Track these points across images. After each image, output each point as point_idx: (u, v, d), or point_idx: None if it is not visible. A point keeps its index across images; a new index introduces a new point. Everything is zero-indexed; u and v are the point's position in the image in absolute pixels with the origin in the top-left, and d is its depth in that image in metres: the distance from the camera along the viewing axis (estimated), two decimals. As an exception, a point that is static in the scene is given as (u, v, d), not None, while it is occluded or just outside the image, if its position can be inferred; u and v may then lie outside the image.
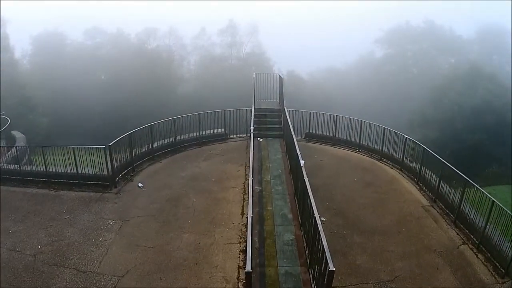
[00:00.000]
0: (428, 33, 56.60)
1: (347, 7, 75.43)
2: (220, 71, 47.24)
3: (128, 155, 15.46)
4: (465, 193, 11.74)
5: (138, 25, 53.07)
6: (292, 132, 13.55)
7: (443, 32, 57.11)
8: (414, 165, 15.43)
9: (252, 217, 8.41)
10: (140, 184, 14.44)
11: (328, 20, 75.81)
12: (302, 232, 10.51)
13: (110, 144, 13.98)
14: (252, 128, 13.76)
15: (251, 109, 16.90)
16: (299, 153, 11.10)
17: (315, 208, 8.72)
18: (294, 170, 12.59)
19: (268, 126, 17.18)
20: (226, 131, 18.43)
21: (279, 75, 19.21)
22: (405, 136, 15.79)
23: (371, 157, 17.20)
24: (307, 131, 18.49)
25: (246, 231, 9.82)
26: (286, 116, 15.46)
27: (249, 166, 12.77)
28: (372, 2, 70.64)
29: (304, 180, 9.90)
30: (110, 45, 51.88)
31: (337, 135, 18.11)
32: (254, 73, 19.00)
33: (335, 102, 50.60)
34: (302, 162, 10.55)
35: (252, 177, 10.05)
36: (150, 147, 16.60)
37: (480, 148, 32.10)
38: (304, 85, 52.43)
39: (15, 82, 41.84)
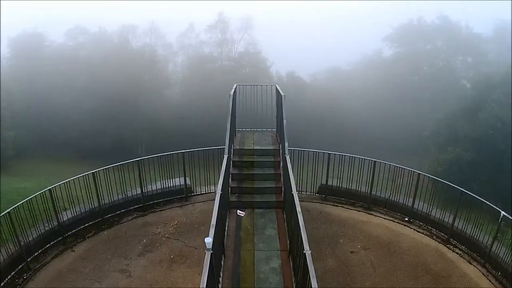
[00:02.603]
0: (441, 30, 48.77)
1: (348, 5, 66.71)
2: (210, 73, 39.44)
3: (16, 244, 8.13)
4: None
5: (122, 23, 45.28)
6: (300, 223, 5.93)
7: (458, 30, 49.19)
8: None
9: None
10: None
11: (329, 19, 67.23)
12: None
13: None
14: (213, 222, 5.93)
15: (224, 154, 8.86)
16: None
17: None
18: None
19: (257, 187, 9.29)
20: (189, 183, 10.83)
21: (277, 88, 11.30)
22: (502, 212, 8.31)
23: (432, 237, 9.64)
24: (323, 183, 10.86)
25: None
26: (289, 170, 7.76)
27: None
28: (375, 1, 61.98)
29: None
30: (92, 46, 44.39)
31: (373, 192, 10.51)
32: (234, 86, 10.92)
33: (341, 108, 43.22)
34: None
35: None
36: (57, 222, 9.15)
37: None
38: (305, 88, 44.79)
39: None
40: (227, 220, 8.36)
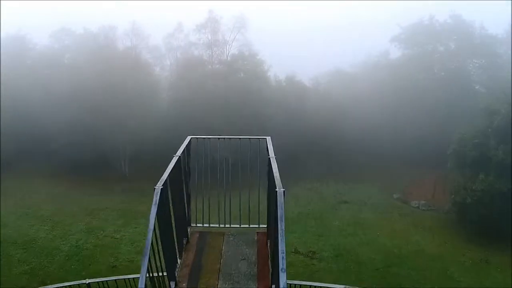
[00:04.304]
0: (454, 30, 43.54)
1: (351, 4, 60.65)
2: (200, 78, 34.30)
3: None
4: None
5: (101, 24, 40.13)
6: None
7: (472, 30, 43.85)
8: None
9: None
10: None
11: (331, 17, 61.40)
12: None
13: None
14: None
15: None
16: None
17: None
18: None
19: None
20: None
21: (269, 146, 6.10)
22: None
23: None
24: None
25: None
26: None
27: None
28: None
29: None
30: (76, 49, 39.57)
31: None
32: (187, 139, 5.76)
33: (346, 116, 38.35)
34: None
35: None
36: None
37: None
38: (306, 93, 39.79)
39: None
40: None
